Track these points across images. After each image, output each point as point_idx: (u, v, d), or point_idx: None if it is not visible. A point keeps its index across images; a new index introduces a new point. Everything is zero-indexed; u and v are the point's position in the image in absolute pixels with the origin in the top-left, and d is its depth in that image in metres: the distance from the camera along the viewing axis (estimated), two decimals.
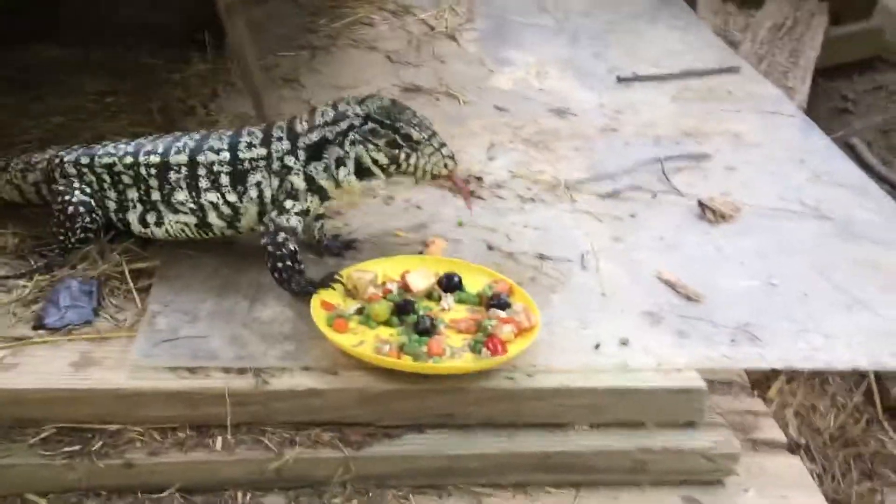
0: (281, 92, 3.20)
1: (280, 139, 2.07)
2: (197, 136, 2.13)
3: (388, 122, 2.00)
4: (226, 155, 2.08)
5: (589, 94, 3.29)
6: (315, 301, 1.97)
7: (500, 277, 2.10)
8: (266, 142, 2.07)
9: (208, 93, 3.09)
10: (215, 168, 2.08)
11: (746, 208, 2.58)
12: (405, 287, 2.05)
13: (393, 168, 2.01)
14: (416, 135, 1.99)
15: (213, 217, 2.10)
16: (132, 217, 2.15)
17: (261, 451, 1.82)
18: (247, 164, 2.07)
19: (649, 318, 2.11)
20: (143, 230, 2.16)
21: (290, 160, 2.05)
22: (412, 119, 2.01)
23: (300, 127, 2.06)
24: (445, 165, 2.00)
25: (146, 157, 2.11)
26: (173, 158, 2.10)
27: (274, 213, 2.04)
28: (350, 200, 2.25)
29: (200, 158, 2.08)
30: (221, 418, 1.82)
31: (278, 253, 2.02)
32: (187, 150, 2.10)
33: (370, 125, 2.00)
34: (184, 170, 2.09)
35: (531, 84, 3.37)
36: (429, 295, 2.06)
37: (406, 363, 1.83)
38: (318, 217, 2.25)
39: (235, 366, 1.86)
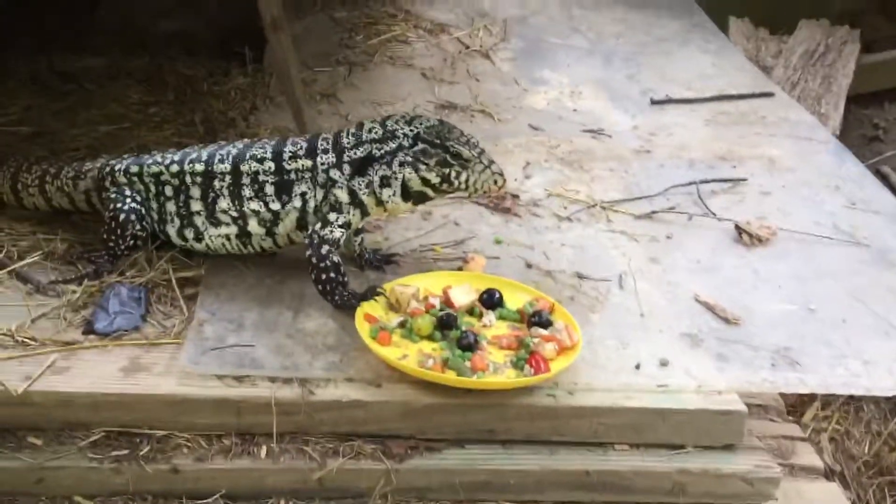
0: (319, 107, 3.24)
1: (326, 151, 2.09)
2: (240, 145, 2.16)
3: (437, 141, 2.02)
4: (270, 165, 2.10)
5: (622, 116, 3.32)
6: (359, 313, 1.99)
7: (541, 295, 2.12)
8: (311, 153, 2.10)
9: (248, 106, 3.14)
10: (260, 178, 2.11)
11: (782, 233, 2.59)
12: (447, 302, 2.07)
13: (445, 186, 2.04)
14: (466, 153, 2.01)
15: (253, 224, 2.12)
16: (171, 230, 2.18)
17: (304, 460, 1.84)
18: (292, 175, 2.10)
19: (689, 340, 2.12)
20: (182, 243, 2.20)
21: (335, 173, 2.08)
22: (461, 138, 2.04)
23: (346, 141, 2.09)
24: (495, 182, 2.02)
25: (191, 165, 2.15)
26: (217, 167, 2.13)
27: (318, 226, 2.07)
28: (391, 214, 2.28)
29: (244, 167, 2.11)
30: (267, 427, 1.85)
31: (322, 265, 2.04)
32: (230, 158, 2.13)
33: (420, 146, 2.03)
34: (227, 178, 2.12)
35: (565, 104, 3.40)
36: (470, 311, 2.08)
37: (451, 378, 1.85)
38: (358, 231, 2.27)
39: (281, 375, 1.89)
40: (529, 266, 2.35)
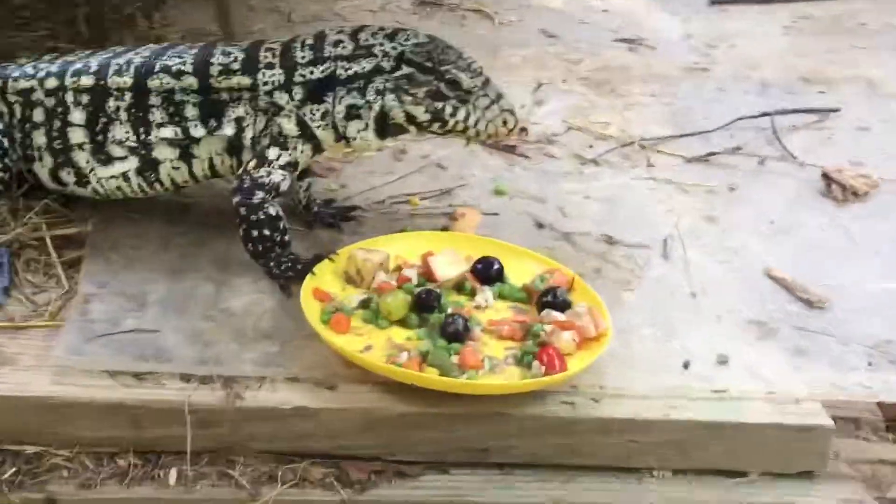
0: (250, 0, 3.22)
1: (270, 66, 2.08)
2: (146, 53, 2.15)
3: (429, 64, 2.02)
4: (192, 80, 2.10)
5: (670, 20, 3.35)
6: (306, 288, 1.99)
7: (557, 266, 2.12)
8: (250, 68, 2.09)
9: None
10: (176, 97, 2.10)
11: (884, 184, 2.61)
12: (427, 274, 2.06)
13: (436, 126, 2.04)
14: (466, 81, 2.01)
15: (162, 149, 2.12)
16: (40, 170, 2.17)
17: (229, 488, 1.84)
18: (223, 95, 2.09)
19: (756, 329, 2.13)
20: (58, 187, 2.19)
21: (281, 97, 2.08)
22: (459, 61, 2.03)
23: (300, 55, 2.08)
24: (504, 122, 2.02)
25: (74, 78, 2.13)
26: (113, 81, 2.11)
27: (252, 164, 2.06)
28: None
29: (153, 83, 2.10)
30: (178, 443, 1.84)
31: (254, 218, 2.04)
32: (132, 69, 2.11)
33: (405, 69, 2.03)
34: (127, 97, 2.11)
35: (590, 3, 3.42)
36: (459, 286, 2.08)
37: (430, 378, 1.85)
38: (303, 174, 2.26)
39: (197, 372, 1.88)
40: (541, 226, 2.36)
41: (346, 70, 2.05)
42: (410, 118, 2.04)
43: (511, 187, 2.47)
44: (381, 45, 2.05)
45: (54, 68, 2.17)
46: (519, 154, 2.64)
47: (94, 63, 2.15)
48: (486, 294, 2.06)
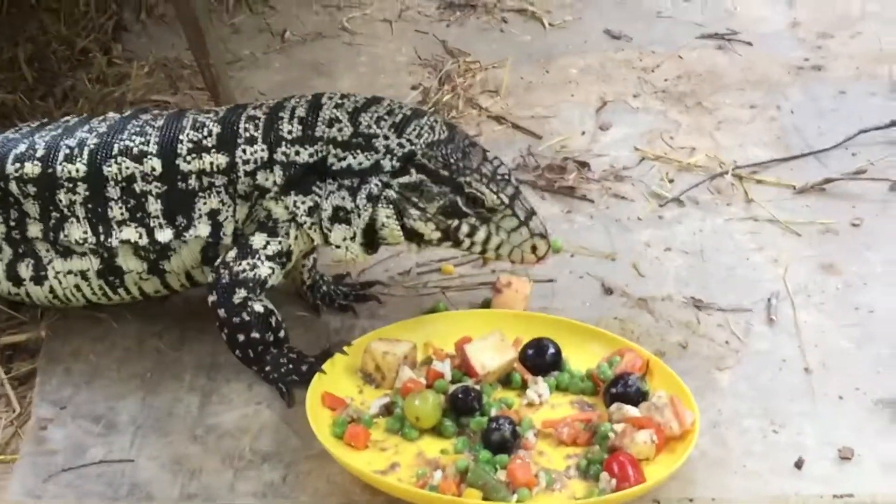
0: (235, 17, 3.30)
1: (252, 141, 2.16)
2: (103, 127, 2.23)
3: (444, 173, 2.08)
4: (155, 164, 2.17)
5: (771, 4, 3.39)
6: (313, 393, 2.06)
7: (629, 345, 2.18)
8: (227, 141, 2.16)
9: (110, 25, 3.22)
10: (137, 186, 2.17)
11: None
12: (464, 367, 2.13)
13: (446, 244, 2.14)
14: (490, 197, 2.08)
15: (126, 259, 2.20)
16: None
17: None
18: (193, 182, 2.17)
19: (889, 413, 2.15)
20: (13, 289, 2.28)
21: (265, 178, 2.16)
22: (483, 167, 2.09)
23: (287, 128, 2.15)
24: (533, 249, 2.09)
25: (17, 165, 2.21)
26: (63, 169, 2.19)
27: (231, 255, 2.14)
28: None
29: (110, 169, 2.18)
30: None
31: (237, 321, 2.13)
32: (86, 153, 2.19)
33: (414, 176, 2.09)
34: (81, 189, 2.19)
35: None
36: (505, 379, 2.15)
37: (472, 503, 1.89)
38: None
39: None
40: (609, 291, 2.42)
41: (339, 160, 2.12)
42: (413, 234, 2.12)
43: (569, 242, 2.54)
44: (386, 137, 2.11)
45: None
46: (579, 196, 2.69)
47: (40, 143, 2.23)
48: (539, 387, 2.13)
